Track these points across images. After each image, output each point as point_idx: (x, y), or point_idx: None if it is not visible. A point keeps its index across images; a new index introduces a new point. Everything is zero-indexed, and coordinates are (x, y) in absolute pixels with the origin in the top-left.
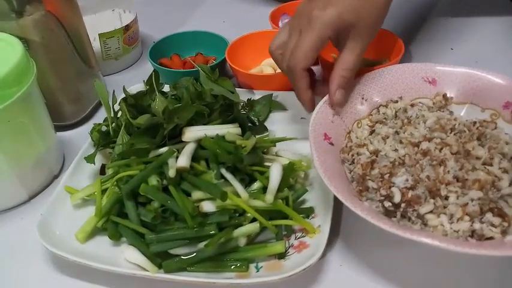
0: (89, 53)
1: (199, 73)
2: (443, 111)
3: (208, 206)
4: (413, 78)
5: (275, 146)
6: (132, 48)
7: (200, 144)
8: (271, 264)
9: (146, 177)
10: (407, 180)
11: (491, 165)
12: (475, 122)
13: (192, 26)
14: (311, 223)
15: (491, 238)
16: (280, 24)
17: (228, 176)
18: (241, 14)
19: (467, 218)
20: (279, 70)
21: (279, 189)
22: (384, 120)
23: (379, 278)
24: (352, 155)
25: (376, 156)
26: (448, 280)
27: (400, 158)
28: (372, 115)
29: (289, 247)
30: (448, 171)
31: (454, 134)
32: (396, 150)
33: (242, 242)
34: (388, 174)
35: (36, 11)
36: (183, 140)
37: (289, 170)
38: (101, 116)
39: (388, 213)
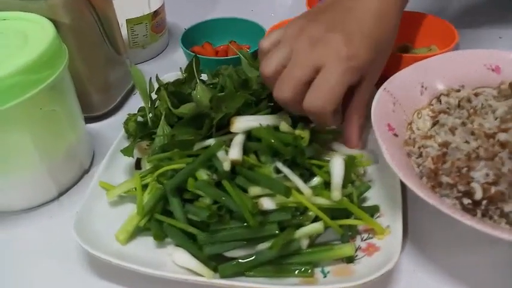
0: (118, 38)
1: (241, 60)
2: None
3: (268, 203)
4: (475, 66)
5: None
6: (160, 37)
7: (250, 135)
8: (340, 268)
9: (194, 171)
10: (487, 174)
11: None
12: None
13: (217, 16)
14: (379, 223)
15: None
16: None
17: (286, 170)
18: (270, 2)
19: None
20: None
21: (343, 185)
22: (448, 110)
23: (457, 284)
24: (419, 148)
25: (446, 149)
26: None
27: (474, 150)
28: (432, 105)
29: (357, 249)
30: None
31: None
32: (467, 142)
33: (304, 243)
34: (466, 168)
35: None
36: (232, 130)
37: (350, 165)
38: (129, 108)
39: (467, 212)
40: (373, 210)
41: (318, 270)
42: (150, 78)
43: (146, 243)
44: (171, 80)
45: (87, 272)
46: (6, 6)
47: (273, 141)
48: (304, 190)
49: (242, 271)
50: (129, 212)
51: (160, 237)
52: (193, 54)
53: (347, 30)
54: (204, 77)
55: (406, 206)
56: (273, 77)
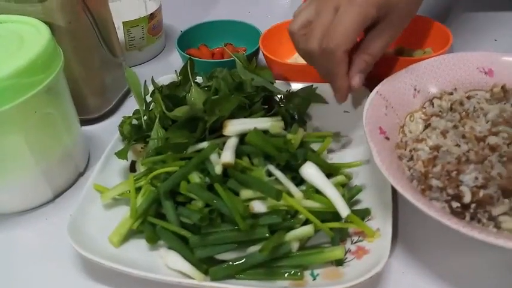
0: (114, 41)
1: (236, 63)
2: (504, 104)
3: (259, 206)
4: (468, 69)
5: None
6: (156, 39)
7: (245, 139)
8: (329, 271)
9: (187, 174)
10: (476, 178)
11: None
12: None
13: (214, 18)
14: (369, 226)
15: None
16: None
17: (278, 173)
18: (267, 3)
19: None
20: None
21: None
22: (440, 113)
23: (446, 286)
24: (410, 151)
25: (437, 152)
26: None
27: (464, 154)
28: (425, 108)
29: (347, 252)
30: None
31: None
32: (458, 145)
33: (295, 246)
34: (456, 172)
35: None
36: (225, 134)
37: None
38: (125, 110)
39: (456, 215)
40: (364, 213)
41: (307, 273)
42: (145, 81)
43: (139, 245)
44: (167, 82)
45: (81, 273)
46: (3, 9)
47: (266, 146)
48: (295, 193)
49: (233, 274)
50: (123, 214)
51: (154, 240)
52: (189, 56)
53: None
54: (199, 79)
55: (397, 208)
56: (298, 31)
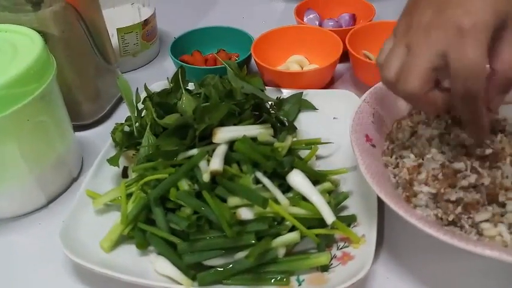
0: (108, 48)
1: (227, 70)
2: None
3: (246, 214)
4: None
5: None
6: (151, 45)
7: (234, 147)
8: (315, 277)
9: (176, 181)
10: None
11: None
12: None
13: (209, 23)
14: (355, 232)
15: None
16: (305, 19)
17: (265, 180)
18: (261, 9)
19: None
20: (306, 67)
21: None
22: (426, 120)
23: None
24: (396, 158)
25: (422, 160)
26: None
27: (448, 160)
28: (412, 115)
29: (332, 258)
30: (507, 176)
31: (505, 136)
32: (443, 152)
33: (281, 252)
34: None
35: (55, 3)
36: (214, 141)
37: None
38: (119, 116)
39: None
40: (350, 220)
41: (293, 279)
42: (137, 88)
43: (130, 251)
44: (160, 89)
45: (73, 278)
46: None
47: (254, 154)
48: (282, 200)
49: (220, 279)
50: (115, 220)
51: (144, 246)
52: (181, 63)
53: (456, 1)
54: (191, 85)
55: (383, 214)
56: (396, 78)
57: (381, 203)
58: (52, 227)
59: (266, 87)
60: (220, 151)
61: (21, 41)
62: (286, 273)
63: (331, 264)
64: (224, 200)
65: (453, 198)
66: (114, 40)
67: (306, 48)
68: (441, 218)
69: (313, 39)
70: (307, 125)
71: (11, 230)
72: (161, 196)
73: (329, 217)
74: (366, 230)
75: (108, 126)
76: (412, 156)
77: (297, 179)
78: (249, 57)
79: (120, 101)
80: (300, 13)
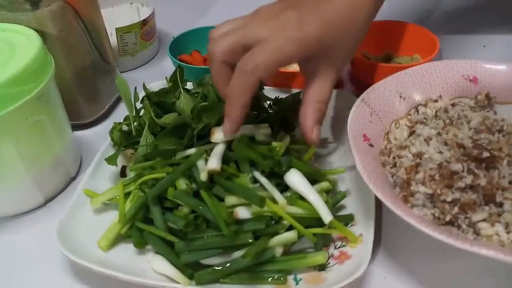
0: (106, 48)
1: None
2: (487, 111)
3: (243, 213)
4: (453, 76)
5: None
6: (149, 44)
7: (231, 146)
8: (312, 276)
9: (174, 180)
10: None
11: None
12: None
13: (208, 23)
14: (352, 232)
15: None
16: None
17: (263, 180)
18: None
19: None
20: None
21: None
22: (424, 120)
23: None
24: (394, 158)
25: (420, 159)
26: None
27: (446, 160)
28: (410, 115)
29: (329, 257)
30: (504, 176)
31: (503, 136)
32: (441, 152)
33: (279, 251)
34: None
35: (53, 2)
36: (212, 141)
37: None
38: (118, 115)
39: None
40: (348, 219)
41: (290, 278)
42: (136, 87)
43: (128, 250)
44: (159, 88)
45: (71, 277)
46: None
47: (251, 154)
48: (280, 200)
49: (217, 278)
50: (112, 219)
51: (141, 245)
52: (180, 63)
53: (305, 9)
54: (190, 85)
55: (381, 214)
56: (218, 38)
57: (378, 202)
58: (50, 226)
59: (264, 86)
60: (218, 150)
61: (19, 40)
62: (283, 272)
63: (329, 263)
64: (222, 199)
65: (449, 199)
66: (113, 39)
67: None
68: (438, 218)
69: None
70: None
71: (9, 229)
72: (159, 195)
73: (326, 216)
74: (364, 229)
75: (107, 125)
76: (409, 155)
77: (294, 178)
78: None
79: (118, 100)
80: None
